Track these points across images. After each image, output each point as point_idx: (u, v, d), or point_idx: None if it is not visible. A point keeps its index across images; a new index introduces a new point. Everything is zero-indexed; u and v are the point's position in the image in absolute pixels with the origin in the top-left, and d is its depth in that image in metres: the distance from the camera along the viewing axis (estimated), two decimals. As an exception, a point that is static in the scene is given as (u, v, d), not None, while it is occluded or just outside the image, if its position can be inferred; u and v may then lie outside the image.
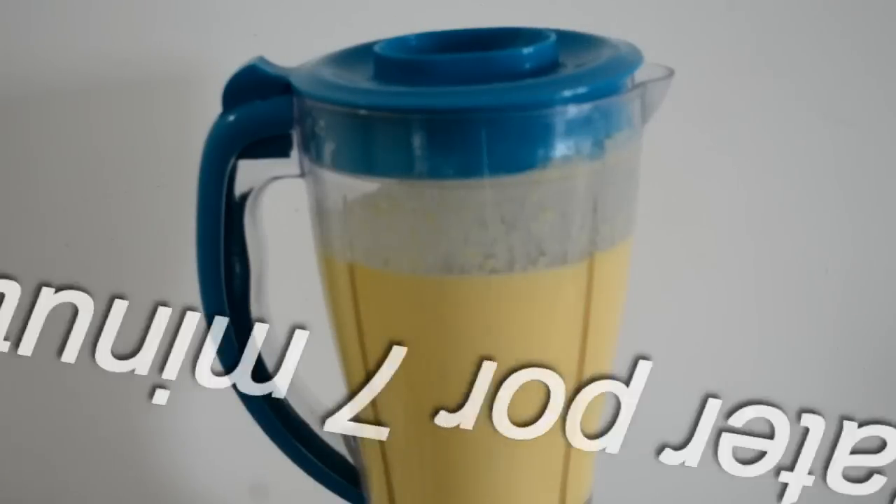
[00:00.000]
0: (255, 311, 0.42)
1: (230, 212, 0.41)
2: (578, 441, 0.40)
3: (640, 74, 0.37)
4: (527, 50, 0.37)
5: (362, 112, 0.36)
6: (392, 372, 0.39)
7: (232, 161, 0.40)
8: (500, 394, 0.38)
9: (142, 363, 0.61)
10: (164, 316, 0.60)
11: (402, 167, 0.35)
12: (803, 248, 0.62)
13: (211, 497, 0.62)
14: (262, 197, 0.41)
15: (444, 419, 0.38)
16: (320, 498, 0.46)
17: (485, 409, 0.38)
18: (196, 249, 0.41)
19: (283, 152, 0.39)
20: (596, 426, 0.42)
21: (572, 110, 0.35)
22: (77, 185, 0.58)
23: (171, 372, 0.61)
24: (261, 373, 0.43)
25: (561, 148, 0.35)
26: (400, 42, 0.40)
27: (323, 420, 0.45)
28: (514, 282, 0.36)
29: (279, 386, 0.43)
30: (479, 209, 0.35)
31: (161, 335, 0.61)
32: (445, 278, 0.36)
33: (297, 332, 0.45)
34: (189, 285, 0.42)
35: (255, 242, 0.42)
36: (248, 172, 0.40)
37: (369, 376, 0.40)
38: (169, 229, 0.56)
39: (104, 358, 0.61)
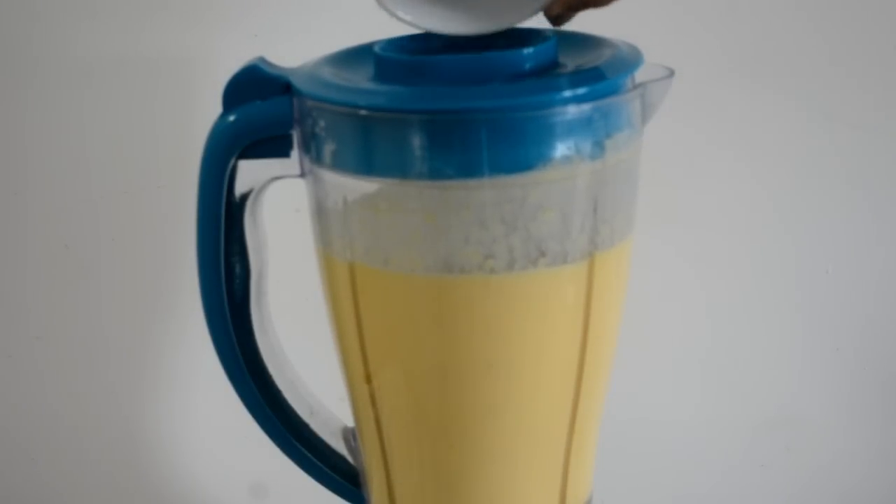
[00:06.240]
0: (255, 311, 0.42)
1: (230, 212, 0.40)
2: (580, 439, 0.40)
3: (640, 75, 0.37)
4: (527, 50, 0.37)
5: (362, 112, 0.36)
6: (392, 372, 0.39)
7: (232, 161, 0.40)
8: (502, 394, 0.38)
9: (142, 363, 0.61)
10: (164, 315, 0.61)
11: (402, 168, 0.35)
12: (803, 248, 0.62)
13: (211, 497, 0.62)
14: (262, 197, 0.41)
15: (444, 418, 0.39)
16: (320, 498, 0.46)
17: (485, 408, 0.38)
18: (196, 249, 0.41)
19: (283, 152, 0.39)
20: (597, 423, 0.42)
21: (572, 111, 0.35)
22: (77, 185, 0.58)
23: (171, 371, 0.62)
24: (261, 373, 0.43)
25: (561, 148, 0.35)
26: (400, 42, 0.40)
27: (323, 420, 0.45)
28: (515, 282, 0.36)
29: (279, 386, 0.44)
30: (479, 209, 0.35)
31: (161, 335, 0.61)
32: (445, 278, 0.36)
33: (297, 332, 0.45)
34: (189, 285, 0.42)
35: (255, 242, 0.42)
36: (248, 172, 0.40)
37: (369, 377, 0.40)
38: (169, 229, 0.56)
39: (104, 357, 0.61)
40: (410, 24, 0.37)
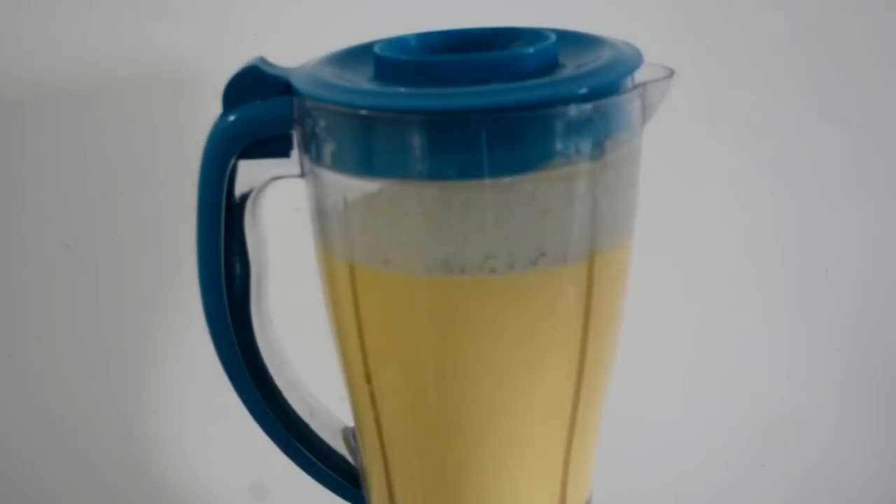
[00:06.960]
0: (255, 311, 0.42)
1: (230, 212, 0.41)
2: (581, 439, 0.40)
3: (640, 74, 0.37)
4: (527, 50, 0.37)
5: (363, 113, 0.35)
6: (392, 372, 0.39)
7: (232, 161, 0.40)
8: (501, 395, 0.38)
9: (142, 363, 0.61)
10: (164, 315, 0.61)
11: (402, 168, 0.35)
12: (803, 249, 0.62)
13: (211, 497, 0.62)
14: (262, 197, 0.41)
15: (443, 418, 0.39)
16: (320, 498, 0.46)
17: (485, 408, 0.38)
18: (196, 249, 0.41)
19: (283, 152, 0.39)
20: (598, 424, 0.42)
21: (572, 111, 0.35)
22: (77, 185, 0.58)
23: (171, 371, 0.62)
24: (261, 373, 0.43)
25: (561, 148, 0.35)
26: (400, 42, 0.40)
27: (323, 420, 0.45)
28: (515, 282, 0.36)
29: (279, 386, 0.44)
30: (479, 210, 0.35)
31: (161, 335, 0.61)
32: (445, 278, 0.36)
33: (297, 332, 0.45)
34: (189, 285, 0.42)
35: (255, 242, 0.42)
36: (248, 172, 0.40)
37: (369, 377, 0.40)
38: (169, 229, 0.56)
39: (104, 356, 0.61)
40: None
